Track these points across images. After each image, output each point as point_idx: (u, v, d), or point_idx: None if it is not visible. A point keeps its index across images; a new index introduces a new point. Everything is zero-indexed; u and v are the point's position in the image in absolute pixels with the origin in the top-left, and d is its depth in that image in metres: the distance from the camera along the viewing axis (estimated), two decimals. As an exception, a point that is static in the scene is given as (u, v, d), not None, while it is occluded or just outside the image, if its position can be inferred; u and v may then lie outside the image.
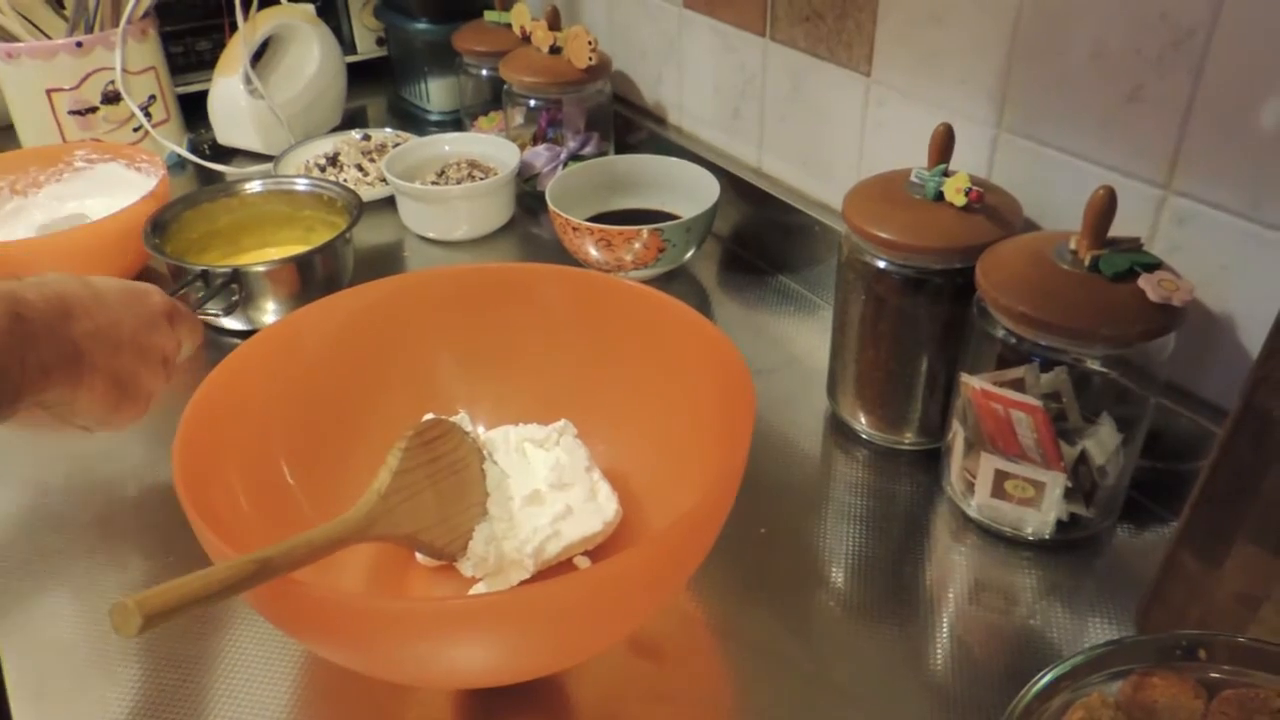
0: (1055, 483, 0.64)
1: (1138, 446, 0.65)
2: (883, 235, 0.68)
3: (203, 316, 0.88)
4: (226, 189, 1.01)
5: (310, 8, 1.29)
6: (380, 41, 1.43)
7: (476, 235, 1.07)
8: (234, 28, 1.20)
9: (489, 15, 1.20)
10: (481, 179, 1.07)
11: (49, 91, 1.13)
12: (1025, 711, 0.46)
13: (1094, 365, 0.62)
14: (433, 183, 1.08)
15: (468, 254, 1.05)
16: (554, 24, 1.10)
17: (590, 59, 1.05)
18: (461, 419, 0.68)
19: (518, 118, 1.13)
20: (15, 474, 0.76)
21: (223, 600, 0.44)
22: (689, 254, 0.96)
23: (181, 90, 1.29)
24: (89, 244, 0.92)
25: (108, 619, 0.41)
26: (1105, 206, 0.60)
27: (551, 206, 0.94)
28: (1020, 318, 0.60)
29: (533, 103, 1.10)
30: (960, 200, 0.68)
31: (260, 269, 0.88)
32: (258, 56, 1.24)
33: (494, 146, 1.12)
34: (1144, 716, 0.47)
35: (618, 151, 1.16)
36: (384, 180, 1.13)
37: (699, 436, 0.63)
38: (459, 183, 1.07)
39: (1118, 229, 0.61)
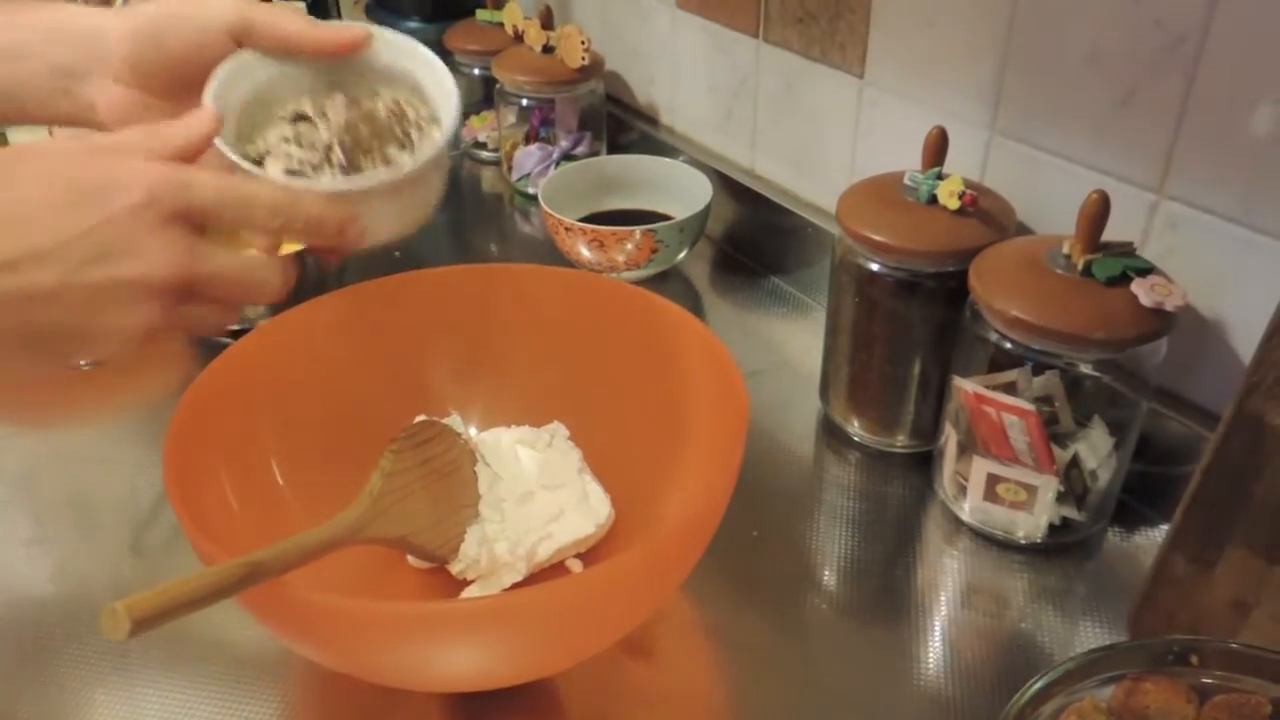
0: (1047, 486, 0.64)
1: (1130, 450, 0.65)
2: (876, 238, 0.68)
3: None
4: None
5: (301, 6, 1.29)
6: (372, 40, 1.42)
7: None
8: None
9: (481, 14, 1.20)
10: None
11: (37, 88, 1.12)
12: (1019, 717, 0.46)
13: (1086, 369, 0.62)
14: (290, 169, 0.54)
15: (458, 255, 1.04)
16: (547, 23, 1.10)
17: (583, 59, 1.05)
18: (453, 421, 0.67)
19: (510, 117, 1.12)
20: (2, 473, 0.76)
21: (213, 604, 0.44)
22: (681, 255, 0.95)
23: (171, 87, 1.28)
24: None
25: (96, 622, 0.41)
26: (1098, 211, 0.60)
27: (544, 206, 0.94)
28: (1013, 321, 0.60)
29: (525, 102, 1.10)
30: (954, 203, 0.68)
31: (250, 268, 0.88)
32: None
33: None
34: (1136, 721, 0.47)
35: (610, 152, 1.15)
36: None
37: (691, 438, 0.63)
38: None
39: (1110, 233, 0.61)
